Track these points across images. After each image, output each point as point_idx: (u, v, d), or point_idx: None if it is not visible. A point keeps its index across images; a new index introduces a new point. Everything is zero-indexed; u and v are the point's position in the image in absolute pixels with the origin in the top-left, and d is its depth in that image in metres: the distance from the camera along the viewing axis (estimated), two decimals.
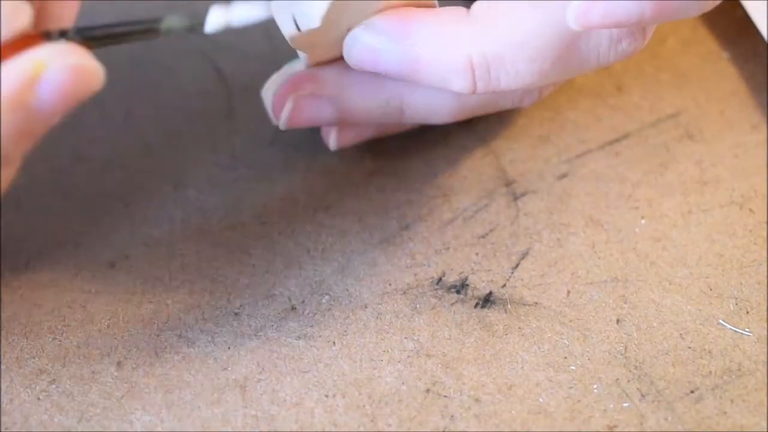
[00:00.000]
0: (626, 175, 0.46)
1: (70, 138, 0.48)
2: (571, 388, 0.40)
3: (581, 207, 0.45)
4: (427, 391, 0.40)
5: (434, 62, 0.41)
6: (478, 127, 0.48)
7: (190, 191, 0.46)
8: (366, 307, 0.42)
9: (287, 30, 0.40)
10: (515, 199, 0.46)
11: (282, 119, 0.43)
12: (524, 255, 0.44)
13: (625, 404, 0.40)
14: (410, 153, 0.47)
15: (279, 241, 0.45)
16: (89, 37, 0.37)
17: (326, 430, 0.39)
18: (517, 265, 0.44)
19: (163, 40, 0.47)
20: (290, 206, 0.46)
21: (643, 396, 0.40)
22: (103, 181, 0.47)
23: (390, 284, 0.43)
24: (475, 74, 0.40)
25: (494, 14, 0.40)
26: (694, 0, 0.38)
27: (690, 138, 0.48)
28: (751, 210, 0.45)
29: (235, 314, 0.42)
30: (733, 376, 0.40)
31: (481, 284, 0.43)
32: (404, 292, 0.43)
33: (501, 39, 0.40)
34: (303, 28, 0.40)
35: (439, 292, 0.43)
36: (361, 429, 0.39)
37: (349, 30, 0.41)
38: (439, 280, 0.43)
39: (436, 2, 0.42)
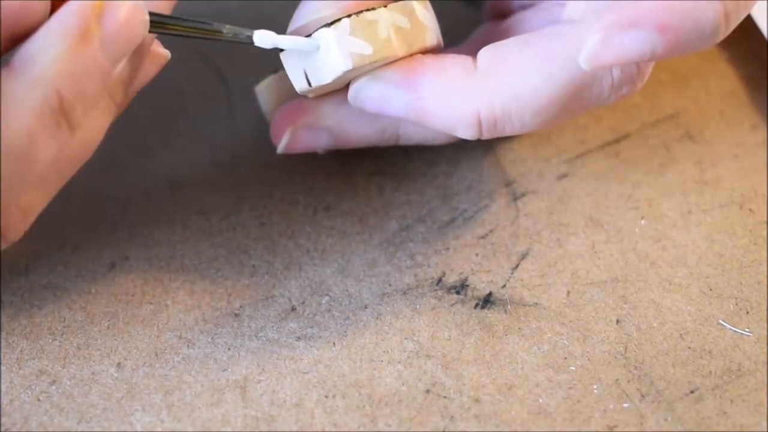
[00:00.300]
0: (626, 176, 0.46)
1: None
2: (570, 388, 0.40)
3: (581, 207, 0.45)
4: (427, 391, 0.40)
5: (442, 114, 0.41)
6: None
7: (189, 192, 0.46)
8: (366, 308, 0.42)
9: (297, 83, 0.41)
10: (515, 199, 0.46)
11: (280, 148, 0.44)
12: (524, 255, 0.44)
13: (625, 404, 0.40)
14: (411, 154, 0.47)
15: (279, 242, 0.45)
16: (156, 21, 0.38)
17: (326, 430, 0.39)
18: (517, 266, 0.44)
19: (163, 39, 0.48)
20: (290, 207, 0.46)
21: (643, 396, 0.40)
22: (102, 183, 0.47)
23: (390, 285, 0.43)
24: (482, 126, 0.41)
25: (502, 68, 0.40)
26: (703, 36, 0.38)
27: (690, 138, 0.48)
28: (751, 210, 0.45)
29: (235, 315, 0.42)
30: (733, 376, 0.40)
31: (481, 285, 0.43)
32: (404, 293, 0.43)
33: (509, 94, 0.40)
34: (314, 83, 0.41)
35: (439, 292, 0.43)
36: (361, 429, 0.39)
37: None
38: (439, 280, 0.43)
39: (440, 41, 0.42)
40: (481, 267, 0.44)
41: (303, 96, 0.43)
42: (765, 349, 0.41)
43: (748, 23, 0.51)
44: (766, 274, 0.43)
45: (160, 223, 0.45)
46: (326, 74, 0.40)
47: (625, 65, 0.40)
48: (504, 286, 0.43)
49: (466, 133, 0.41)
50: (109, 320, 0.42)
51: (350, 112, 0.44)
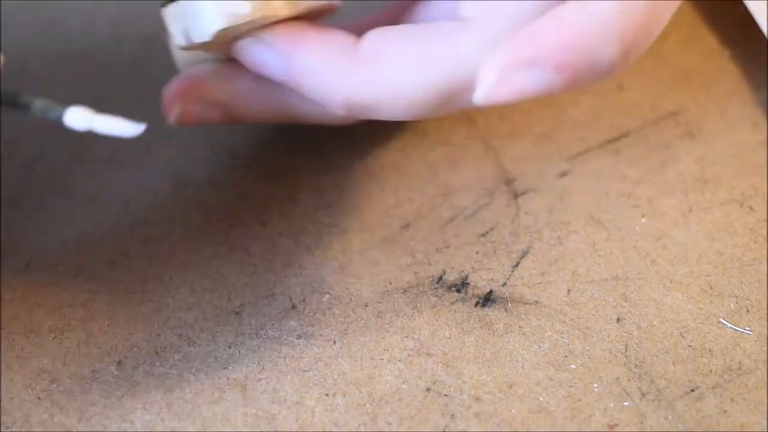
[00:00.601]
0: (626, 174, 0.46)
1: (70, 138, 0.48)
2: (571, 386, 0.40)
3: (582, 205, 0.45)
4: (428, 390, 0.40)
5: (315, 90, 0.41)
6: (479, 124, 0.48)
7: (190, 190, 0.46)
8: (366, 306, 0.42)
9: (179, 40, 0.41)
10: (516, 197, 0.46)
11: (171, 120, 0.44)
12: (524, 253, 0.44)
13: (626, 403, 0.40)
14: (411, 152, 0.47)
15: (279, 241, 0.45)
16: None
17: (326, 429, 0.39)
18: (517, 264, 0.44)
19: (161, 42, 0.48)
20: (291, 205, 0.46)
21: (643, 395, 0.40)
22: (104, 180, 0.47)
23: (390, 283, 0.43)
24: (352, 111, 0.41)
25: (380, 58, 0.40)
26: (600, 73, 0.38)
27: (690, 136, 0.48)
28: (751, 208, 0.45)
29: (236, 313, 0.42)
30: (734, 375, 0.40)
31: (481, 283, 0.43)
32: (404, 291, 0.43)
33: (382, 86, 0.40)
34: (195, 40, 0.40)
35: (440, 290, 0.43)
36: (362, 428, 0.39)
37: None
38: (440, 278, 0.43)
39: (333, 3, 0.42)
40: (482, 265, 0.44)
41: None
42: (765, 348, 0.41)
43: (750, 21, 0.51)
44: (766, 272, 0.43)
45: (161, 221, 0.45)
46: (203, 33, 0.40)
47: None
48: (504, 284, 0.43)
49: (338, 112, 0.41)
50: (109, 318, 0.42)
51: (241, 88, 0.44)
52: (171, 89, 0.44)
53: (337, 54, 0.41)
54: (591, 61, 0.37)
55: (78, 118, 0.39)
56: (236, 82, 0.44)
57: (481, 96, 0.37)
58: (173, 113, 0.44)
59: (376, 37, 0.41)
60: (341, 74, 0.40)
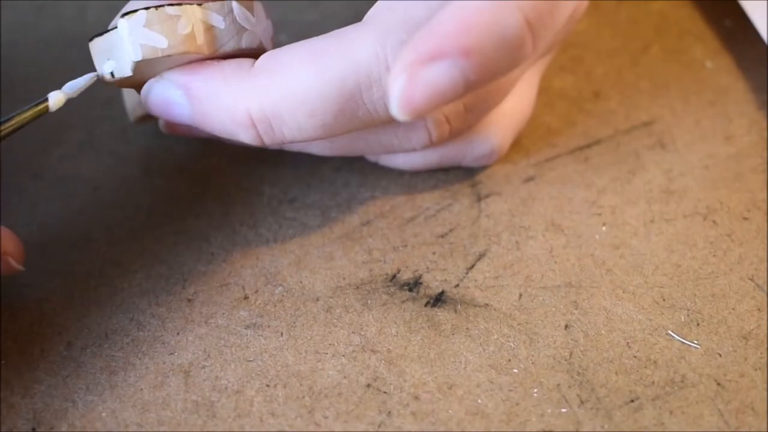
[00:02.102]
0: (593, 181, 0.46)
1: (48, 120, 0.49)
2: (511, 390, 0.40)
3: (544, 211, 0.45)
4: (368, 386, 0.40)
5: (218, 117, 0.40)
6: None
7: (159, 178, 0.47)
8: (317, 300, 0.43)
9: (103, 73, 0.41)
10: (479, 200, 0.46)
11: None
12: (481, 256, 0.44)
13: (563, 410, 0.39)
14: None
15: (240, 231, 0.45)
16: None
17: (264, 419, 0.39)
18: (472, 266, 0.44)
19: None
20: (255, 197, 0.46)
21: (582, 402, 0.40)
22: (76, 164, 0.48)
23: (344, 279, 0.43)
24: (257, 128, 0.40)
25: (273, 67, 0.39)
26: (510, 49, 0.35)
27: (662, 147, 0.47)
28: (714, 222, 0.45)
29: (188, 301, 0.43)
30: (676, 388, 0.40)
31: (434, 283, 0.43)
32: (357, 287, 0.43)
33: (278, 94, 0.39)
34: (117, 75, 0.41)
35: (392, 289, 0.43)
36: (298, 420, 0.39)
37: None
38: (393, 277, 0.44)
39: (263, 45, 0.42)
40: (437, 266, 0.44)
41: None
42: (711, 362, 0.40)
43: (736, 33, 0.51)
44: (721, 287, 0.43)
45: (127, 207, 0.46)
46: (124, 66, 0.40)
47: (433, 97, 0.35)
48: (457, 285, 0.43)
49: (246, 137, 0.40)
50: (64, 300, 0.43)
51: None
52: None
53: (233, 73, 0.40)
54: (496, 38, 0.35)
55: (57, 97, 0.41)
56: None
57: (395, 106, 0.35)
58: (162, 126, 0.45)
59: (273, 52, 0.40)
60: (239, 90, 0.39)
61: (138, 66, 0.40)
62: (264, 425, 0.39)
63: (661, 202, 0.45)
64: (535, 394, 0.40)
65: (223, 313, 0.42)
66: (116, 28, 0.40)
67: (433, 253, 0.44)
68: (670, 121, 0.48)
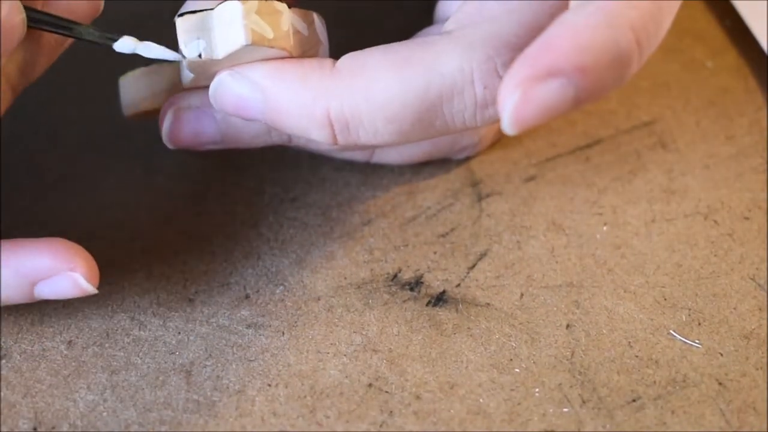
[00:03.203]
0: (594, 181, 0.46)
1: (47, 119, 0.49)
2: (512, 390, 0.40)
3: (545, 210, 0.45)
4: (370, 385, 0.40)
5: (294, 113, 0.40)
6: None
7: (159, 177, 0.47)
8: (319, 300, 0.43)
9: (189, 52, 0.40)
10: (480, 199, 0.46)
11: (164, 133, 0.43)
12: (482, 256, 0.44)
13: (565, 409, 0.39)
14: None
15: (241, 231, 0.45)
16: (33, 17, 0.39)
17: (265, 418, 0.39)
18: (473, 266, 0.44)
19: (149, 29, 0.48)
20: (256, 197, 0.46)
21: (584, 402, 0.40)
22: (77, 163, 0.47)
23: (345, 278, 0.43)
24: (334, 128, 0.40)
25: (357, 70, 0.39)
26: (621, 69, 0.35)
27: (663, 147, 0.47)
28: (715, 221, 0.45)
29: (190, 300, 0.43)
30: (677, 387, 0.40)
31: (435, 283, 0.43)
32: (358, 287, 0.43)
33: (360, 96, 0.39)
34: (205, 55, 0.40)
35: (393, 288, 0.43)
36: (300, 420, 0.39)
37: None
38: (395, 276, 0.43)
39: (325, 46, 0.42)
40: (438, 265, 0.44)
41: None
42: (712, 362, 0.40)
43: (736, 33, 0.51)
44: (722, 286, 0.43)
45: (128, 205, 0.46)
46: (222, 47, 0.39)
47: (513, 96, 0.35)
48: (458, 285, 0.43)
49: (320, 135, 0.40)
50: (65, 299, 0.43)
51: (231, 121, 0.43)
52: (168, 101, 0.43)
53: (313, 72, 0.40)
54: (610, 57, 0.35)
55: (126, 44, 0.40)
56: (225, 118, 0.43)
57: (507, 121, 0.35)
58: (165, 122, 0.44)
59: (353, 55, 0.40)
60: (319, 88, 0.40)
61: (232, 54, 0.39)
62: (265, 425, 0.39)
63: (662, 202, 0.45)
64: (537, 394, 0.40)
65: (225, 313, 0.42)
66: (211, 9, 0.40)
67: (435, 253, 0.44)
68: (670, 120, 0.48)
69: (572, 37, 0.35)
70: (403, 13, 0.52)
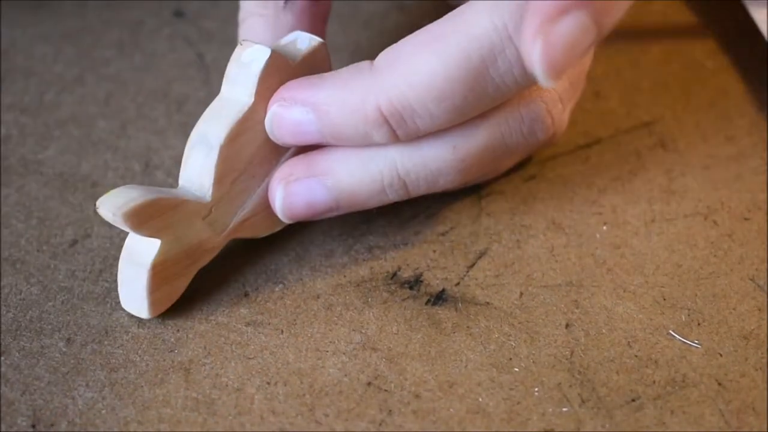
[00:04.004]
0: (593, 181, 0.46)
1: (49, 116, 0.49)
2: (512, 389, 0.40)
3: (544, 210, 0.45)
4: (369, 384, 0.40)
5: (349, 121, 0.40)
6: None
7: (159, 173, 0.47)
8: (318, 298, 0.43)
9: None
10: (480, 198, 0.46)
11: (278, 209, 0.43)
12: (482, 254, 0.44)
13: (564, 409, 0.39)
14: None
15: None
16: None
17: (264, 416, 0.39)
18: (473, 265, 0.44)
19: (149, 27, 0.48)
20: None
21: (583, 401, 0.40)
22: (76, 160, 0.47)
23: (344, 276, 0.43)
24: (390, 123, 0.40)
25: (395, 61, 0.39)
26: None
27: (663, 147, 0.47)
28: (715, 222, 0.45)
29: (188, 298, 0.43)
30: (677, 387, 0.40)
31: (435, 281, 0.43)
32: (357, 285, 0.43)
33: (403, 84, 0.39)
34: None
35: (392, 286, 0.43)
36: (299, 418, 0.39)
37: None
38: (394, 275, 0.43)
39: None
40: (438, 264, 0.44)
41: None
42: (712, 362, 0.40)
43: (737, 33, 0.51)
44: (722, 287, 0.43)
45: None
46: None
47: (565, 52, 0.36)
48: (458, 283, 0.43)
49: (380, 134, 0.40)
50: (64, 296, 0.43)
51: (337, 157, 0.42)
52: (274, 176, 0.43)
53: (353, 76, 0.40)
54: None
55: None
56: (332, 152, 0.42)
57: (541, 72, 0.35)
58: (277, 199, 0.42)
59: (390, 48, 0.40)
60: (364, 89, 0.40)
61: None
62: (264, 423, 0.39)
63: (662, 202, 0.45)
64: (536, 393, 0.40)
65: (224, 311, 0.42)
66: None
67: (434, 251, 0.44)
68: (670, 121, 0.48)
69: None
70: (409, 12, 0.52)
